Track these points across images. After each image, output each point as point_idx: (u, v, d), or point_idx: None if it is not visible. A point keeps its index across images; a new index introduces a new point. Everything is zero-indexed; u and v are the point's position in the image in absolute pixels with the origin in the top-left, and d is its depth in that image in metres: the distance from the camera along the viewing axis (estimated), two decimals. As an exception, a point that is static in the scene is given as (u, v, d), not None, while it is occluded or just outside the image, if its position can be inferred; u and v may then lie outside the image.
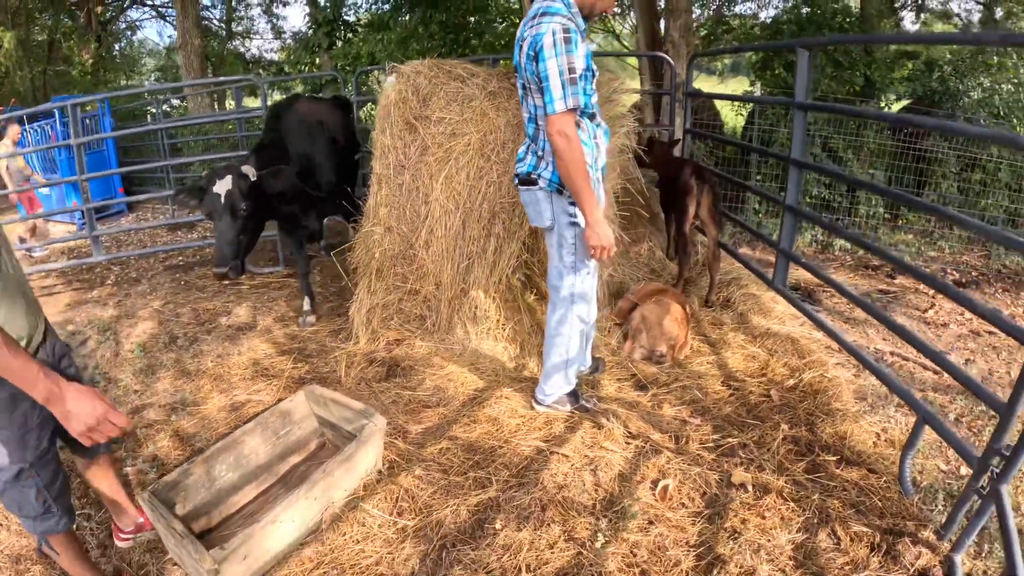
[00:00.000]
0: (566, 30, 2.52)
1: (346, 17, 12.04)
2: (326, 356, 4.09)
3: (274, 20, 19.51)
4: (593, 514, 2.59)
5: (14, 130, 7.45)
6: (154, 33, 51.00)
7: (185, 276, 6.20)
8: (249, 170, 3.85)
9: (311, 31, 12.12)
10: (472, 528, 2.54)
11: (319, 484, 2.49)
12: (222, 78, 11.49)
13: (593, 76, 2.77)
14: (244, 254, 3.90)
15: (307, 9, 12.75)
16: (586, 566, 2.33)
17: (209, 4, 17.91)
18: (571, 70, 2.53)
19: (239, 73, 16.95)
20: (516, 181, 2.97)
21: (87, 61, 15.22)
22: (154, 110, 12.76)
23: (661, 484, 2.71)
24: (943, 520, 2.48)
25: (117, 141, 10.33)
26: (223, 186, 3.73)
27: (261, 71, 17.40)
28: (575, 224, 2.83)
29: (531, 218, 3.03)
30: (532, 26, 2.61)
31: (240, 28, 19.09)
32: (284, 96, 10.02)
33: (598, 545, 2.42)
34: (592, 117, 2.83)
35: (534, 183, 2.86)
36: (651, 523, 2.53)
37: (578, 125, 2.68)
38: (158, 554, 2.55)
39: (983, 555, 2.42)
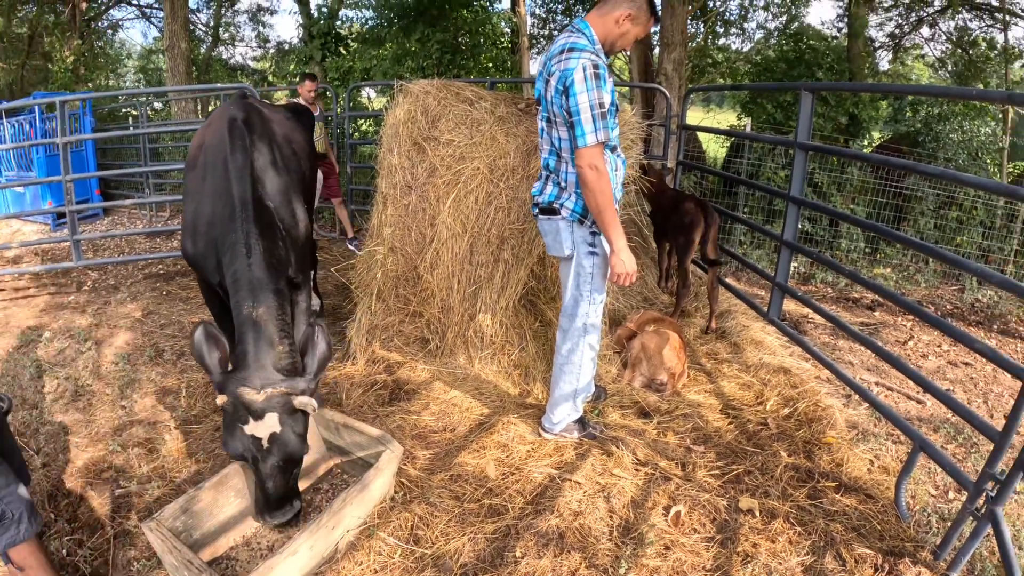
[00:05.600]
0: (596, 66, 2.59)
1: (339, 30, 12.03)
2: (323, 376, 4.04)
3: (260, 28, 19.33)
4: (611, 540, 2.63)
5: None
6: (137, 34, 50.24)
7: (167, 286, 6.09)
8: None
9: (304, 42, 12.07)
10: (492, 556, 2.55)
11: (338, 514, 2.46)
12: (214, 85, 11.36)
13: (616, 110, 2.84)
14: None
15: (299, 20, 12.73)
16: (611, 593, 2.35)
17: (196, 8, 17.73)
18: (601, 104, 2.60)
19: (223, 80, 16.76)
20: (536, 210, 3.02)
21: (68, 58, 14.90)
22: (136, 112, 12.55)
23: (673, 510, 2.76)
24: (938, 541, 2.62)
25: (96, 142, 10.13)
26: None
27: (244, 79, 17.22)
28: (594, 254, 2.90)
29: (549, 247, 3.08)
30: (560, 61, 2.67)
31: (226, 35, 18.92)
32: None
33: (621, 571, 2.46)
34: (614, 149, 2.89)
35: (556, 212, 2.91)
36: (668, 548, 2.59)
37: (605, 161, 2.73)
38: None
39: (977, 573, 2.56)
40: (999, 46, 11.96)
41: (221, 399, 2.35)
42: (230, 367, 2.47)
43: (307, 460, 2.96)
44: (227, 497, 2.66)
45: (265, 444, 2.35)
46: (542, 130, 2.92)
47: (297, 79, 12.14)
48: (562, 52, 2.68)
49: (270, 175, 2.96)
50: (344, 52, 11.45)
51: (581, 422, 3.30)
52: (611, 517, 2.76)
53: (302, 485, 2.92)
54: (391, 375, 3.93)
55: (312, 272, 4.87)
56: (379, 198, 4.13)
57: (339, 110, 8.36)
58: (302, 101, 6.48)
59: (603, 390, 3.72)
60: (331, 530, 2.46)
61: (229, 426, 2.38)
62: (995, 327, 6.62)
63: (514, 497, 2.87)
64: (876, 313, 6.27)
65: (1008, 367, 2.45)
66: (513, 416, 3.47)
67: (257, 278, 2.58)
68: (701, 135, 8.91)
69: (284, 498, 2.47)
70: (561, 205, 2.89)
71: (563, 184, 2.89)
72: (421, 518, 2.71)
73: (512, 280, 3.79)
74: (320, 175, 6.40)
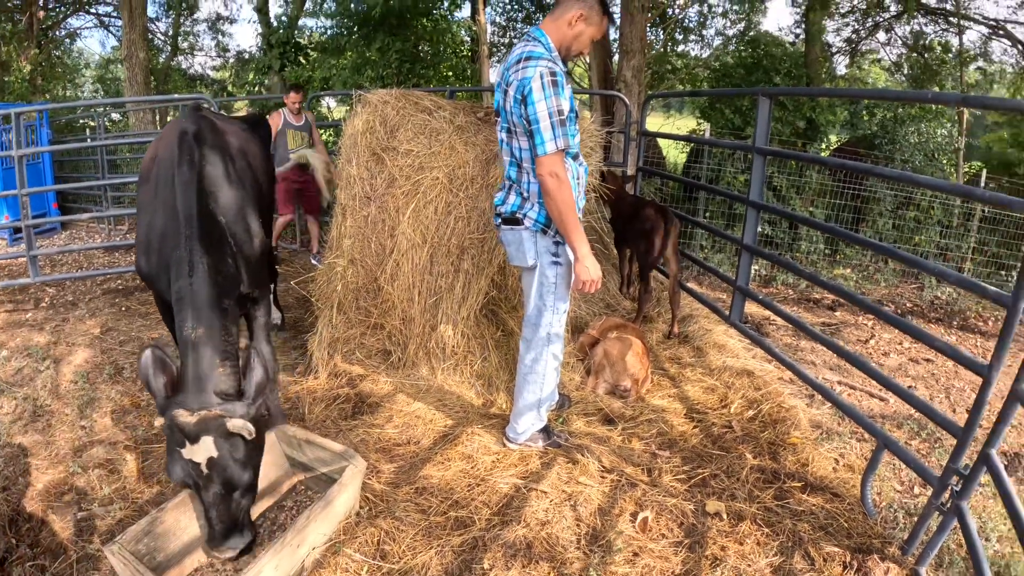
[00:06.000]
0: (552, 73, 2.59)
1: (298, 39, 11.92)
2: (284, 391, 3.95)
3: (219, 37, 19.07)
4: (579, 548, 2.61)
5: None
6: (96, 43, 48.83)
7: (126, 302, 5.95)
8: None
9: (263, 51, 11.94)
10: (460, 569, 2.52)
11: (303, 531, 2.42)
12: (171, 96, 11.19)
13: (576, 117, 2.84)
14: None
15: (259, 28, 12.59)
16: (581, 602, 2.33)
17: (155, 17, 17.44)
18: (559, 111, 2.60)
19: (182, 90, 16.51)
20: (499, 220, 3.00)
21: (25, 68, 14.56)
22: (94, 123, 12.30)
23: (640, 516, 2.76)
24: (905, 536, 2.66)
25: (53, 154, 9.91)
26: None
27: (203, 89, 16.98)
28: (557, 264, 2.90)
29: (512, 257, 3.06)
30: (517, 70, 2.65)
31: (185, 44, 18.63)
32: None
33: (590, 580, 2.44)
34: (576, 157, 2.90)
35: (519, 223, 2.90)
36: (636, 555, 2.58)
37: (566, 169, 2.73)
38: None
39: (944, 566, 2.61)
40: (954, 49, 12.29)
41: (158, 422, 2.30)
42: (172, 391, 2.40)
43: (272, 477, 2.94)
44: (190, 518, 2.60)
45: (204, 469, 2.27)
46: (502, 141, 2.91)
47: (256, 89, 12.05)
48: (519, 61, 2.67)
49: (222, 188, 2.88)
50: (304, 61, 11.36)
51: (546, 431, 3.29)
52: (578, 525, 2.75)
53: (266, 503, 2.88)
54: (353, 388, 3.88)
55: (272, 285, 4.82)
56: (338, 209, 4.08)
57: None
58: (287, 112, 6.51)
59: (567, 398, 3.71)
60: (296, 548, 2.40)
61: (170, 451, 2.31)
62: (955, 323, 6.78)
63: (480, 509, 2.84)
64: (837, 313, 6.38)
65: (967, 363, 2.49)
66: (477, 427, 3.45)
67: (199, 297, 2.51)
68: (662, 141, 8.99)
69: (231, 529, 2.39)
70: (524, 215, 2.88)
71: (525, 194, 2.88)
72: (387, 533, 2.67)
73: (473, 290, 3.77)
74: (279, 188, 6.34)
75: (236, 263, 2.80)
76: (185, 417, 2.26)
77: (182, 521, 2.56)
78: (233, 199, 2.93)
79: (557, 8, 2.77)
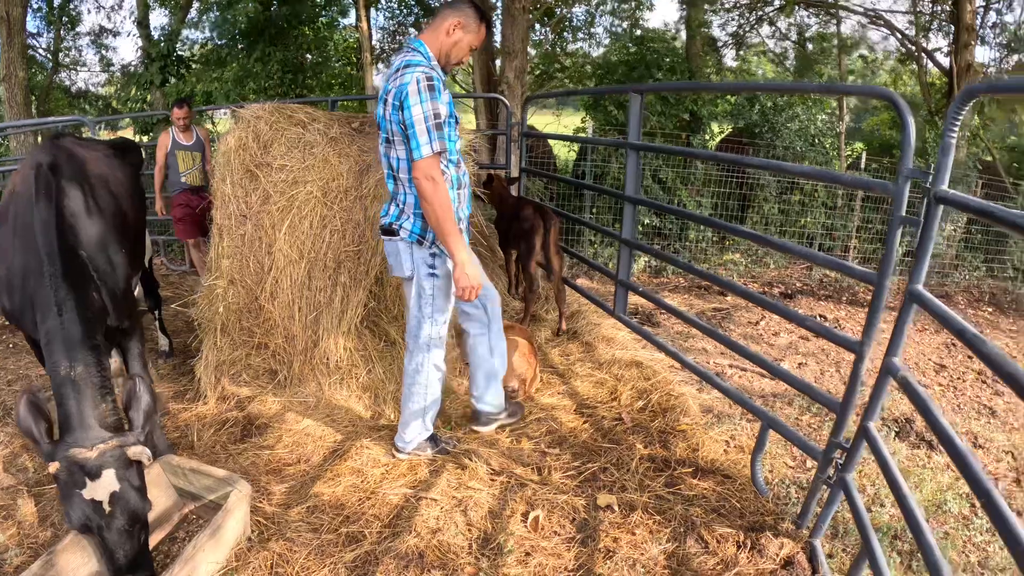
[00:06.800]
0: (429, 78, 2.64)
1: (180, 52, 11.49)
2: (174, 419, 3.83)
3: (103, 52, 18.12)
4: (471, 554, 2.62)
5: None
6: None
7: (13, 338, 5.60)
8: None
9: (144, 66, 11.46)
10: (353, 585, 2.49)
11: (191, 561, 2.36)
12: (47, 119, 10.57)
13: (456, 123, 2.90)
14: None
15: (139, 42, 12.07)
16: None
17: (35, 31, 16.41)
18: (436, 115, 2.63)
19: (64, 108, 15.65)
20: (381, 232, 3.02)
21: None
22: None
23: (531, 516, 2.79)
24: (798, 511, 2.76)
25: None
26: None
27: (87, 106, 16.15)
28: (434, 275, 2.92)
29: (392, 268, 3.08)
30: (396, 79, 2.69)
31: (67, 59, 17.63)
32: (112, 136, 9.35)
33: (482, 583, 2.44)
34: (458, 165, 2.93)
35: (395, 234, 2.91)
36: (528, 555, 2.60)
37: (443, 173, 2.75)
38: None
39: (840, 536, 2.74)
40: (835, 40, 12.94)
41: (53, 467, 2.23)
42: (57, 434, 2.35)
43: (161, 508, 2.87)
44: (83, 557, 2.50)
45: (107, 507, 2.24)
46: (384, 154, 2.92)
47: (138, 106, 11.53)
48: (398, 70, 2.71)
49: (82, 222, 2.81)
50: (186, 75, 10.97)
51: (433, 439, 3.30)
52: (470, 530, 2.75)
53: (159, 536, 2.82)
54: (242, 411, 3.78)
55: (157, 312, 4.66)
56: (215, 230, 3.97)
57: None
58: (175, 131, 6.02)
59: (519, 406, 3.69)
60: (188, 580, 2.35)
61: (66, 496, 2.25)
62: (844, 299, 7.15)
63: (371, 522, 2.82)
64: (728, 298, 6.62)
65: (838, 341, 2.61)
66: (366, 440, 3.42)
67: (71, 336, 2.46)
68: (551, 140, 9.13)
69: (137, 565, 2.33)
70: (400, 226, 2.89)
71: (401, 205, 2.90)
72: (280, 555, 2.63)
73: (352, 303, 3.74)
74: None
75: (101, 297, 2.77)
76: (84, 453, 2.24)
77: (74, 561, 2.48)
78: (94, 232, 2.88)
79: (435, 18, 2.84)
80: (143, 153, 4.96)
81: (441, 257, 2.90)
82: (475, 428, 3.48)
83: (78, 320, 2.50)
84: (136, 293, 4.05)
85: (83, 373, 2.41)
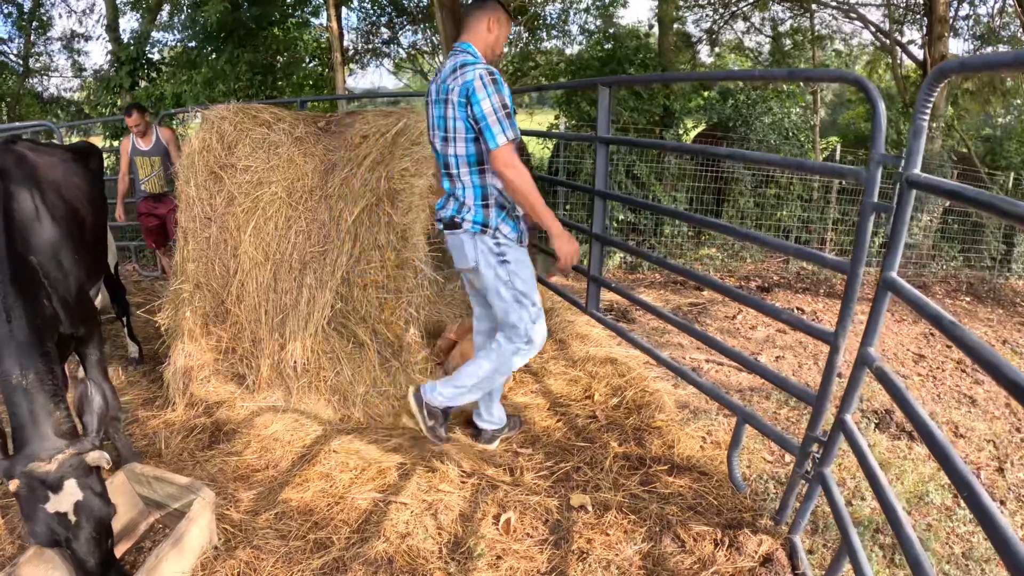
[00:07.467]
0: (491, 73, 2.69)
1: (150, 55, 11.35)
2: (143, 427, 3.77)
3: (75, 56, 17.87)
4: (441, 558, 2.58)
5: None
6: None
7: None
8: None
9: (114, 70, 11.32)
10: (320, 593, 2.44)
11: (155, 572, 2.32)
12: (13, 124, 10.42)
13: (514, 113, 2.91)
14: None
15: (109, 46, 11.92)
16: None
17: (6, 36, 16.15)
18: (504, 106, 2.68)
19: (35, 114, 15.43)
20: (441, 226, 3.02)
21: None
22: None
23: (503, 518, 2.74)
24: (777, 507, 2.72)
25: None
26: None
27: (60, 112, 15.93)
28: (505, 262, 2.90)
29: (456, 261, 3.07)
30: (456, 77, 2.73)
31: (38, 65, 17.36)
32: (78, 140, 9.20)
33: (452, 589, 2.40)
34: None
35: (458, 226, 2.91)
36: (500, 558, 2.56)
37: None
38: None
39: (820, 531, 2.71)
40: (807, 33, 13.04)
41: (13, 484, 2.19)
42: (11, 448, 2.32)
43: (126, 518, 2.85)
44: (45, 570, 2.46)
45: (72, 518, 2.22)
46: (439, 152, 2.95)
47: (108, 110, 11.38)
48: (455, 70, 2.75)
49: (32, 227, 2.77)
50: (156, 77, 10.83)
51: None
52: (440, 534, 2.71)
53: (125, 546, 2.79)
54: (210, 417, 3.71)
55: (125, 318, 4.58)
56: (180, 233, 3.91)
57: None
58: (135, 137, 5.84)
59: (518, 419, 3.61)
60: (152, 591, 2.30)
61: (29, 512, 2.22)
62: (822, 291, 7.16)
63: (340, 527, 2.77)
64: (704, 292, 6.61)
65: (813, 332, 2.57)
66: (335, 443, 3.36)
67: (21, 344, 2.42)
68: (526, 138, 9.09)
69: (107, 572, 2.33)
70: (463, 219, 2.90)
71: (461, 199, 2.91)
72: (247, 563, 2.57)
73: (318, 304, 3.67)
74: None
75: (52, 304, 2.72)
76: (44, 467, 2.22)
77: (37, 574, 2.44)
78: (45, 237, 2.83)
79: (471, 22, 2.89)
80: (104, 158, 4.87)
81: (507, 244, 2.90)
82: (481, 446, 3.40)
83: (27, 327, 2.46)
84: (101, 300, 3.99)
85: (35, 381, 2.39)
